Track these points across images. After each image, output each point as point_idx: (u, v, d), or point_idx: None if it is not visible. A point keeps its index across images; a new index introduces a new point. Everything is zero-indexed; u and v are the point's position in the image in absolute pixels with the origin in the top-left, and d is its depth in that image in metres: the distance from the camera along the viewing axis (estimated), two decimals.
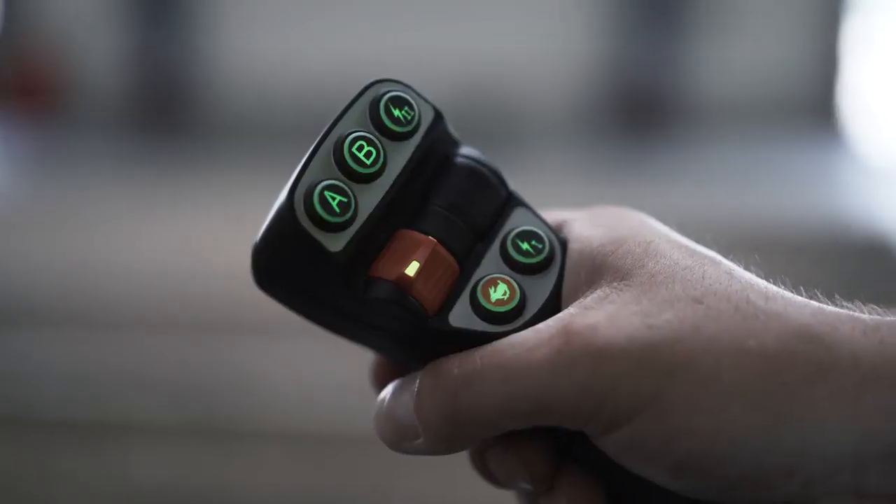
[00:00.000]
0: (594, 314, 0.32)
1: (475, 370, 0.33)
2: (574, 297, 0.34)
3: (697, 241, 0.36)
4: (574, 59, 5.36)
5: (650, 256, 0.34)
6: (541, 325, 0.33)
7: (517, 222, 0.37)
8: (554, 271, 0.36)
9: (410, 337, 0.36)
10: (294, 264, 0.35)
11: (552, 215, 0.39)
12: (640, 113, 5.24)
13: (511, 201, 0.38)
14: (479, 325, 0.35)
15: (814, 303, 0.32)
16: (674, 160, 4.51)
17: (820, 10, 5.28)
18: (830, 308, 0.31)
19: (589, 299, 0.33)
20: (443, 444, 0.34)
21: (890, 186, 3.96)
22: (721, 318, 0.31)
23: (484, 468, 0.37)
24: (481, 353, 0.33)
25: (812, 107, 5.26)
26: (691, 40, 5.32)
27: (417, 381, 0.35)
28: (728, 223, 2.78)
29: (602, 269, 0.34)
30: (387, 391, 0.37)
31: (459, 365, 0.33)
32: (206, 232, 3.15)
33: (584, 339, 0.31)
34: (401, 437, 0.35)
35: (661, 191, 3.52)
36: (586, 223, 0.37)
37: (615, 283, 0.33)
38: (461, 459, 0.39)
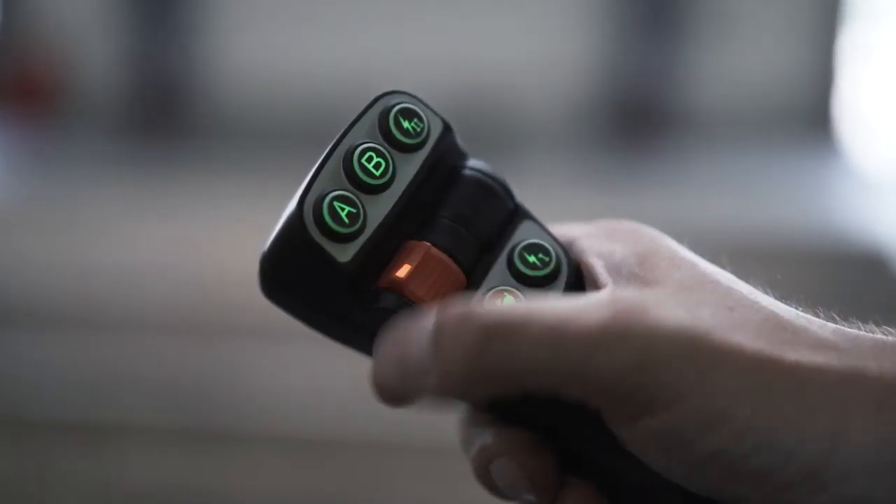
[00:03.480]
0: (642, 296, 0.32)
1: (519, 318, 0.31)
2: None
3: (712, 260, 0.36)
4: (572, 68, 5.37)
5: (676, 267, 0.34)
6: (589, 294, 0.33)
7: (524, 235, 0.38)
8: (560, 284, 0.37)
9: None
10: (302, 274, 0.35)
11: (558, 229, 0.39)
12: (638, 121, 5.24)
13: (518, 214, 0.38)
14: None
15: (832, 324, 0.32)
16: (671, 169, 4.52)
17: (818, 20, 5.30)
18: (849, 328, 0.32)
19: (628, 291, 0.33)
20: (456, 390, 0.32)
21: (886, 197, 3.97)
22: (754, 324, 0.31)
23: (488, 479, 0.37)
24: (526, 304, 0.32)
25: (809, 117, 5.26)
26: (690, 50, 5.33)
27: (436, 315, 0.32)
28: (723, 232, 2.78)
29: (630, 279, 0.34)
30: (394, 328, 0.34)
31: (501, 308, 0.32)
32: (203, 235, 3.15)
33: (636, 315, 0.31)
34: (406, 376, 0.32)
35: (658, 199, 3.52)
36: (602, 239, 0.37)
37: (647, 289, 0.33)
38: (461, 465, 0.39)
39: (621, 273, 0.34)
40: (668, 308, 0.31)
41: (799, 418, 0.29)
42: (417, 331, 0.32)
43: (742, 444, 0.30)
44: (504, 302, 0.36)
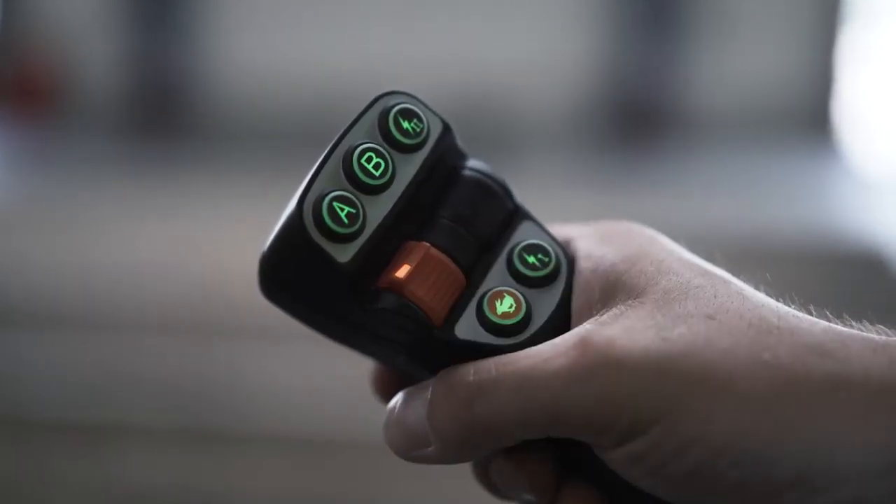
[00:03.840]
0: (610, 328, 0.32)
1: (490, 378, 0.33)
2: (588, 314, 0.34)
3: (706, 258, 0.36)
4: (572, 68, 5.37)
5: (663, 274, 0.34)
6: (557, 339, 0.33)
7: (524, 235, 0.38)
8: (560, 285, 0.37)
9: (416, 348, 0.36)
10: (302, 274, 0.36)
11: (557, 230, 0.39)
12: (637, 122, 5.24)
13: (518, 214, 0.38)
14: (485, 338, 0.35)
15: (824, 322, 0.32)
16: (670, 170, 4.52)
17: (817, 22, 5.30)
18: (840, 327, 0.32)
19: (605, 316, 0.33)
20: (454, 452, 0.34)
21: (885, 198, 3.96)
22: (734, 333, 0.31)
23: (487, 479, 0.37)
24: (497, 361, 0.33)
25: (808, 118, 5.26)
26: (690, 51, 5.33)
27: (430, 388, 0.35)
28: (722, 232, 2.78)
29: (616, 287, 0.34)
30: (398, 398, 0.37)
31: (475, 373, 0.33)
32: (203, 234, 3.15)
33: (600, 351, 0.32)
34: (411, 445, 0.35)
35: (658, 200, 3.52)
36: (597, 240, 0.37)
37: (630, 301, 0.33)
38: (460, 466, 0.39)
39: (608, 280, 0.35)
40: (636, 335, 0.32)
41: (776, 430, 0.30)
42: (416, 406, 0.35)
43: (720, 460, 0.30)
44: (503, 303, 0.36)
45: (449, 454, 0.34)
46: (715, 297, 0.33)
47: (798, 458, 0.30)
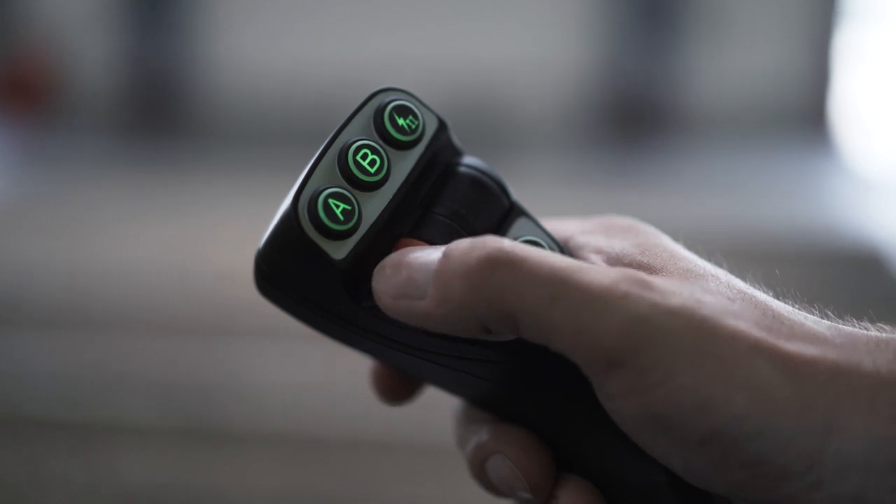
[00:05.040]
0: (649, 275, 0.32)
1: (528, 256, 0.31)
2: None
3: (703, 256, 0.36)
4: (569, 66, 5.37)
5: (678, 259, 0.34)
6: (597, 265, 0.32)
7: (519, 232, 0.38)
8: None
9: (410, 345, 0.36)
10: (297, 271, 0.35)
11: (554, 225, 0.39)
12: (634, 120, 5.25)
13: (513, 211, 0.38)
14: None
15: (826, 321, 0.32)
16: (667, 168, 4.52)
17: (813, 20, 5.30)
18: (844, 326, 0.32)
19: None
20: (444, 312, 0.32)
21: (881, 197, 3.97)
22: (752, 316, 0.31)
23: (484, 477, 0.37)
24: (535, 248, 0.32)
25: (805, 116, 5.27)
26: (685, 49, 5.34)
27: (444, 246, 0.33)
28: (718, 231, 2.79)
29: (633, 266, 0.34)
30: (407, 248, 0.35)
31: (512, 244, 0.32)
32: (198, 234, 3.15)
33: (641, 284, 0.30)
34: (402, 290, 0.33)
35: (654, 198, 3.53)
36: (602, 234, 0.37)
37: (653, 273, 0.33)
38: (455, 464, 0.39)
39: (623, 262, 0.34)
40: (673, 287, 0.31)
41: (796, 408, 0.29)
42: (426, 254, 0.33)
43: (739, 428, 0.29)
44: None
45: (438, 313, 0.32)
46: (730, 285, 0.33)
47: (813, 439, 0.29)
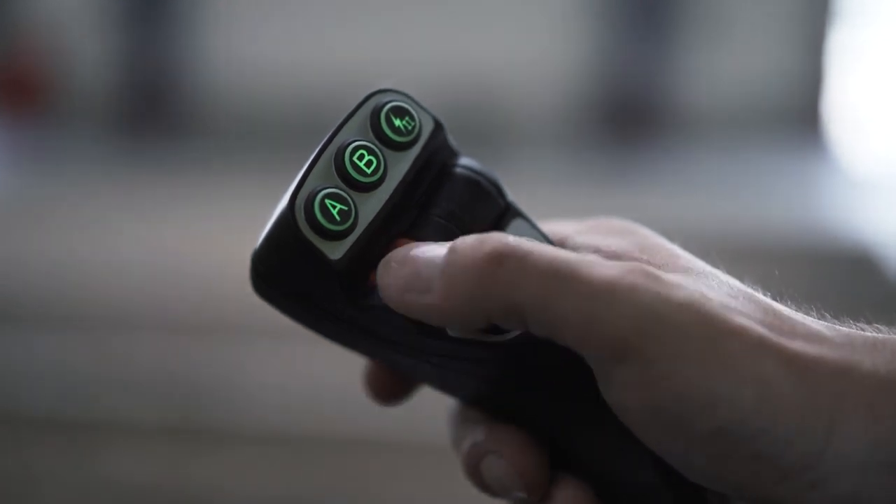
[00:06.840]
0: (655, 269, 0.32)
1: (534, 249, 0.31)
2: None
3: (698, 256, 0.36)
4: (564, 67, 5.37)
5: (678, 258, 0.34)
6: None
7: (515, 233, 0.37)
8: None
9: (407, 345, 0.36)
10: (293, 271, 0.36)
11: (550, 226, 0.39)
12: (629, 120, 5.25)
13: (509, 211, 0.38)
14: (476, 334, 0.35)
15: (824, 321, 0.32)
16: (662, 167, 4.53)
17: (807, 21, 5.31)
18: (842, 326, 0.32)
19: None
20: (452, 307, 0.32)
21: (874, 197, 3.98)
22: (754, 314, 0.31)
23: (478, 476, 0.37)
24: (541, 243, 0.32)
25: (799, 116, 5.28)
26: (680, 49, 5.34)
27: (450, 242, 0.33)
28: (713, 230, 2.79)
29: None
30: (413, 244, 0.35)
31: (518, 240, 0.32)
32: (193, 233, 3.15)
33: (648, 277, 0.30)
34: (409, 285, 0.33)
35: (649, 197, 3.53)
36: (597, 235, 0.37)
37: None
38: (450, 464, 0.39)
39: (622, 259, 0.34)
40: (680, 280, 0.31)
41: (800, 406, 0.29)
42: (432, 249, 0.33)
43: (745, 425, 0.29)
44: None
45: (444, 307, 0.32)
46: (730, 283, 0.33)
47: (815, 437, 0.29)
